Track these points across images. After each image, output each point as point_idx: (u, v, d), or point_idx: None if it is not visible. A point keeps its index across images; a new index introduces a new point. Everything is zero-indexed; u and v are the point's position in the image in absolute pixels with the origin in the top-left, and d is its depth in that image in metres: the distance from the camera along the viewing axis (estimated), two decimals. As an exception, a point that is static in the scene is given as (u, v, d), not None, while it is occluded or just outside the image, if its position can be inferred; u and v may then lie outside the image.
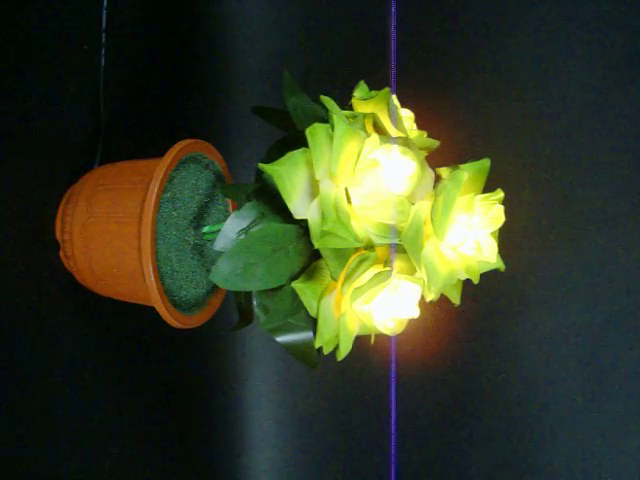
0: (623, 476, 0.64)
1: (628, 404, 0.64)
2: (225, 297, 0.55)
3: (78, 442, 0.53)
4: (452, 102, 0.69)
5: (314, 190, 0.37)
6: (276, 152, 0.40)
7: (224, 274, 0.39)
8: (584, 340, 0.65)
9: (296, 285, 0.38)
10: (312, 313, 0.39)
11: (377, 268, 0.38)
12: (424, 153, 0.41)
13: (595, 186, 0.65)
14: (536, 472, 0.68)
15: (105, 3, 0.55)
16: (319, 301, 0.39)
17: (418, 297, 0.38)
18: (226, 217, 0.54)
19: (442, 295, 0.41)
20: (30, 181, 0.49)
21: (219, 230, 0.47)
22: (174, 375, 0.68)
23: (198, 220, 0.51)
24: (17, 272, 0.47)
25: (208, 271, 0.52)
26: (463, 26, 0.69)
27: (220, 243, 0.40)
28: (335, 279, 0.38)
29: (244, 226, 0.40)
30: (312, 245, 0.37)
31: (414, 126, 0.44)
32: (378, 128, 0.39)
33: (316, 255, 0.40)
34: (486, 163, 0.38)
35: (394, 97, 0.42)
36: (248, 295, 0.46)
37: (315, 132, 0.36)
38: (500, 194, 0.38)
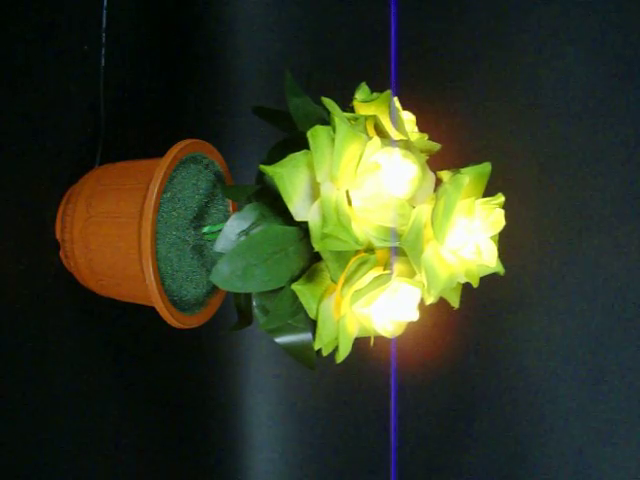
0: (623, 476, 0.64)
1: (628, 404, 0.64)
2: (225, 297, 0.55)
3: (78, 442, 0.53)
4: (453, 105, 0.69)
5: (315, 192, 0.37)
6: (277, 153, 0.40)
7: (224, 275, 0.39)
8: (584, 341, 0.66)
9: (296, 287, 0.38)
10: (312, 315, 0.39)
11: (377, 271, 0.38)
12: (425, 156, 0.41)
13: (595, 188, 0.65)
14: (536, 473, 0.68)
15: (105, 3, 0.55)
16: (319, 303, 0.39)
17: (418, 300, 0.38)
18: (226, 217, 0.54)
19: (442, 297, 0.41)
20: (30, 181, 0.49)
21: (219, 230, 0.47)
22: (174, 375, 0.68)
23: (198, 220, 0.51)
24: (17, 272, 0.47)
25: (208, 271, 0.52)
26: (465, 28, 0.69)
27: (220, 244, 0.40)
28: (335, 281, 0.38)
29: (244, 227, 0.40)
30: (312, 247, 0.37)
31: (415, 129, 0.44)
32: (379, 130, 0.39)
33: (316, 257, 0.40)
34: (487, 167, 0.38)
35: (395, 99, 0.42)
36: (248, 296, 0.46)
37: (317, 134, 0.36)
38: (501, 198, 0.38)
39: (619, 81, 0.64)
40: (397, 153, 0.36)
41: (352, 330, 0.39)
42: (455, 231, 0.37)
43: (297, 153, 0.37)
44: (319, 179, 0.36)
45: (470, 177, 0.37)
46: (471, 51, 0.69)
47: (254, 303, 0.43)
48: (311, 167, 0.37)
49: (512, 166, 0.67)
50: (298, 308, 0.40)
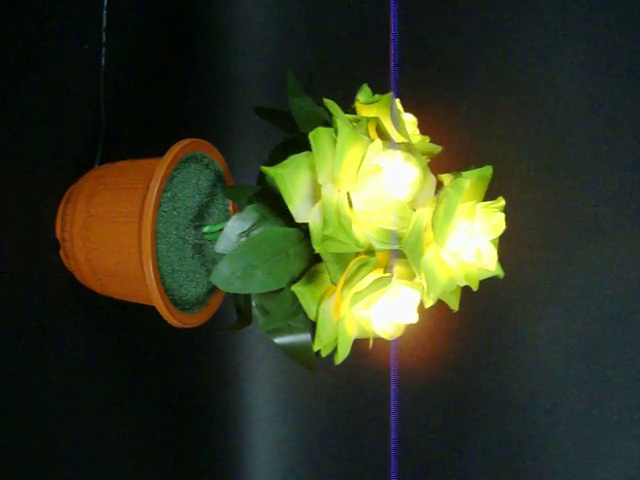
0: (623, 476, 0.64)
1: (628, 405, 0.64)
2: (225, 297, 0.55)
3: (77, 441, 0.53)
4: (454, 107, 0.69)
5: (316, 194, 0.38)
6: (279, 155, 0.40)
7: (224, 276, 0.39)
8: (584, 343, 0.66)
9: (296, 288, 0.39)
10: (311, 316, 0.39)
11: (377, 273, 0.38)
12: (426, 159, 0.41)
13: (595, 190, 0.65)
14: (537, 473, 0.68)
15: (105, 2, 0.55)
16: (318, 305, 0.39)
17: (417, 303, 0.38)
18: (226, 217, 0.54)
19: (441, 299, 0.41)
20: (30, 180, 0.49)
21: (219, 230, 0.47)
22: (174, 374, 0.68)
23: (198, 219, 0.51)
24: (17, 272, 0.47)
25: (208, 270, 0.52)
26: (467, 30, 0.69)
27: (221, 245, 0.40)
28: (335, 283, 0.38)
29: (245, 228, 0.40)
30: (312, 249, 0.37)
31: (417, 131, 0.44)
32: (381, 133, 0.39)
33: (316, 258, 0.40)
34: (488, 170, 0.38)
35: (397, 101, 0.42)
36: (247, 296, 0.46)
37: (318, 136, 0.36)
38: (501, 202, 0.38)
39: (620, 84, 0.64)
40: (399, 156, 0.36)
41: (351, 332, 0.40)
42: (456, 234, 0.37)
43: (299, 154, 0.37)
44: (320, 181, 0.37)
45: (471, 180, 0.37)
46: (473, 53, 0.69)
47: (253, 303, 0.43)
48: (312, 169, 0.37)
49: (512, 168, 0.67)
50: (298, 309, 0.40)
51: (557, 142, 0.66)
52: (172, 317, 0.47)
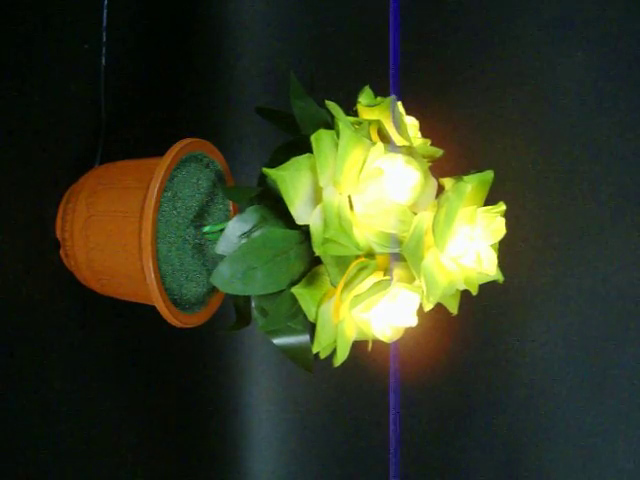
0: (624, 476, 0.64)
1: (628, 406, 0.64)
2: (225, 297, 0.55)
3: (77, 442, 0.53)
4: (456, 110, 0.69)
5: (317, 196, 0.38)
6: (280, 156, 0.40)
7: (225, 277, 0.39)
8: (583, 344, 0.66)
9: (296, 290, 0.39)
10: (311, 318, 0.39)
11: (377, 276, 0.38)
12: (427, 162, 0.41)
13: (595, 193, 0.65)
14: (537, 473, 0.68)
15: (106, 2, 0.55)
16: (318, 307, 0.39)
17: (417, 306, 0.38)
18: (227, 217, 0.54)
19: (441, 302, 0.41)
20: (30, 180, 0.49)
21: (220, 230, 0.47)
22: (174, 374, 0.68)
23: (199, 219, 0.51)
24: (17, 271, 0.47)
25: (209, 270, 0.52)
26: (469, 32, 0.69)
27: (222, 246, 0.40)
28: (335, 286, 0.38)
29: (246, 230, 0.40)
30: (313, 251, 0.37)
31: (418, 134, 0.44)
32: (383, 135, 0.39)
33: (316, 261, 0.40)
34: (489, 175, 0.38)
35: (399, 104, 0.42)
36: (247, 297, 0.46)
37: (320, 138, 0.36)
38: (502, 207, 0.38)
39: (622, 87, 0.64)
40: (400, 159, 0.36)
41: (350, 334, 0.40)
42: (456, 239, 0.37)
43: (300, 156, 0.37)
44: (322, 183, 0.36)
45: (472, 185, 0.37)
46: (475, 56, 0.69)
47: (253, 304, 0.43)
48: (314, 171, 0.37)
49: (513, 171, 0.67)
50: (297, 311, 0.40)
51: (558, 144, 0.66)
52: (172, 317, 0.47)
